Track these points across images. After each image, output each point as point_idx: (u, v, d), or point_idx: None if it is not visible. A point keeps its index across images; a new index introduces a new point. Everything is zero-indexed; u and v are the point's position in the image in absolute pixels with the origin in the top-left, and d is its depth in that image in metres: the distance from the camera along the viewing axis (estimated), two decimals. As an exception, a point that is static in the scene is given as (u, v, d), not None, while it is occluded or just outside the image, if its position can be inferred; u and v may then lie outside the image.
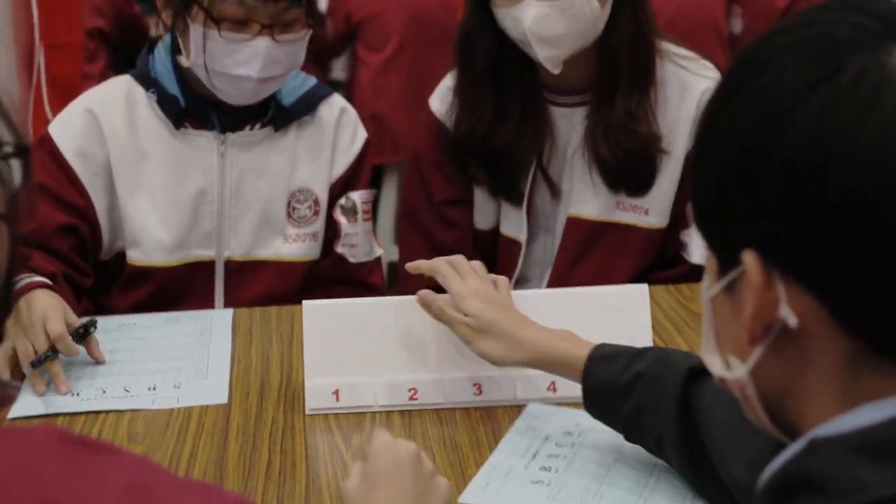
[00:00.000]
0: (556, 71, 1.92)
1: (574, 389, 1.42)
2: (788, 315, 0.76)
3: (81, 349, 1.67)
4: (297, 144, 1.98)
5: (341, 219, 2.01)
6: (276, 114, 1.96)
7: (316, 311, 1.58)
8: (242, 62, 1.80)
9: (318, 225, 2.00)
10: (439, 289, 1.53)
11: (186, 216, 1.93)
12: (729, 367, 0.85)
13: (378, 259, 2.10)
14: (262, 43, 1.80)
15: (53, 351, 1.62)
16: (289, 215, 1.98)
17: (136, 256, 1.92)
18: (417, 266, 1.57)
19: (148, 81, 1.92)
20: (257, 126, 1.95)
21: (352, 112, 2.05)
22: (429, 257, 1.57)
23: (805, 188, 0.73)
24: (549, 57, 1.89)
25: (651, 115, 1.96)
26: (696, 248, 2.00)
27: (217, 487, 0.85)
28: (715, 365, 0.87)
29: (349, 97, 3.52)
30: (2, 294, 0.83)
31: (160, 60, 1.92)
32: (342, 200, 2.02)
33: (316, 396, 1.56)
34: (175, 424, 1.54)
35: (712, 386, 1.09)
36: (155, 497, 0.76)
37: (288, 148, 1.98)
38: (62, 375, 1.61)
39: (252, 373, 1.68)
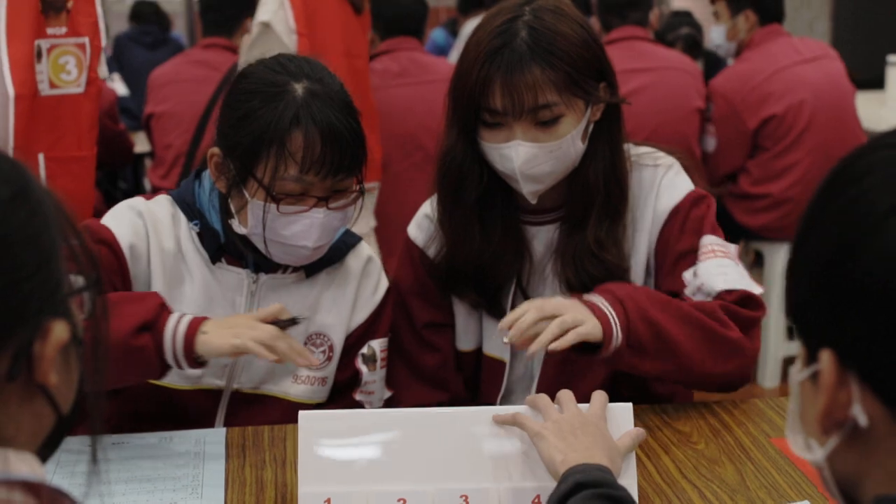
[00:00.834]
0: (535, 201, 1.99)
1: None
2: (860, 414, 0.81)
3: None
4: (323, 290, 2.00)
5: (363, 367, 2.01)
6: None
7: (311, 421, 1.61)
8: (299, 233, 1.82)
9: (330, 370, 2.01)
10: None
11: None
12: (809, 449, 0.89)
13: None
14: (318, 214, 1.82)
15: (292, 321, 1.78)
16: None
17: None
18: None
19: (192, 212, 1.94)
20: (289, 269, 1.97)
21: (377, 262, 2.08)
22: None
23: (881, 309, 0.78)
24: (532, 191, 1.96)
25: (619, 244, 2.00)
26: (716, 277, 1.96)
27: None
28: (797, 444, 0.91)
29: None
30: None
31: (205, 192, 1.94)
32: (364, 349, 2.02)
33: (309, 504, 1.57)
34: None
35: None
36: None
37: (313, 293, 1.99)
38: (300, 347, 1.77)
39: (247, 494, 1.69)
